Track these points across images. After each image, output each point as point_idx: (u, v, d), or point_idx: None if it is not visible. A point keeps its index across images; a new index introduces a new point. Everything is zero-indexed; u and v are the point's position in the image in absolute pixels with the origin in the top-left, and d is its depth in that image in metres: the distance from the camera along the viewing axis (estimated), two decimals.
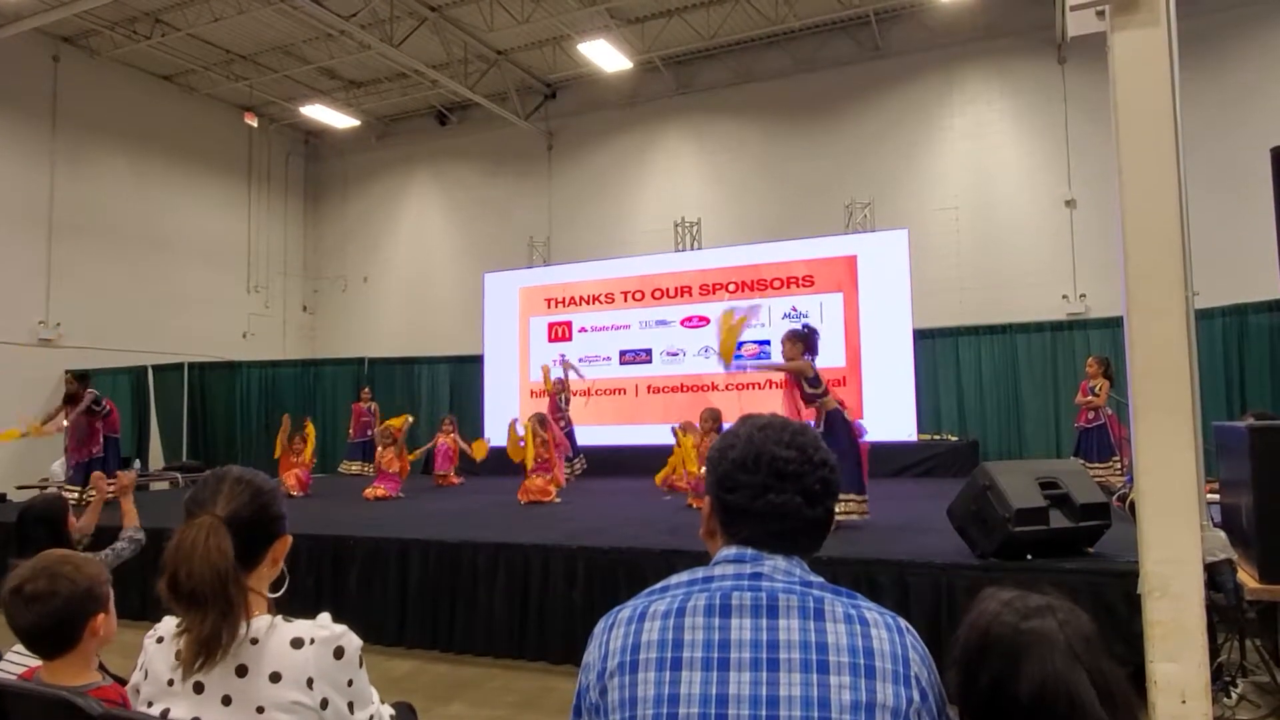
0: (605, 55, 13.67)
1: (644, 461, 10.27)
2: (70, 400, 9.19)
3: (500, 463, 10.98)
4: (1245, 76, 11.37)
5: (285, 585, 1.67)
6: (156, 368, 14.33)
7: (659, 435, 10.09)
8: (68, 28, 13.37)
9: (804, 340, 6.21)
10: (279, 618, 1.55)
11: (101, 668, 2.12)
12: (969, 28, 12.91)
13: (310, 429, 10.40)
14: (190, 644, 1.47)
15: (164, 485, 12.27)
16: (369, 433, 12.62)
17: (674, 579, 1.32)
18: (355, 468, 12.45)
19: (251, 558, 1.58)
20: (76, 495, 8.85)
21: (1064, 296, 12.25)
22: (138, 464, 12.96)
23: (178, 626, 1.52)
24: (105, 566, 2.15)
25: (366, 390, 13.15)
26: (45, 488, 10.19)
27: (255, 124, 16.70)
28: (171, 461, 14.00)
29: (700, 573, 1.30)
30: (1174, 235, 3.82)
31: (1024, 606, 1.19)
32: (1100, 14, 3.98)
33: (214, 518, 1.52)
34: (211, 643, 1.46)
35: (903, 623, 1.25)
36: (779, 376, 6.68)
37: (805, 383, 6.20)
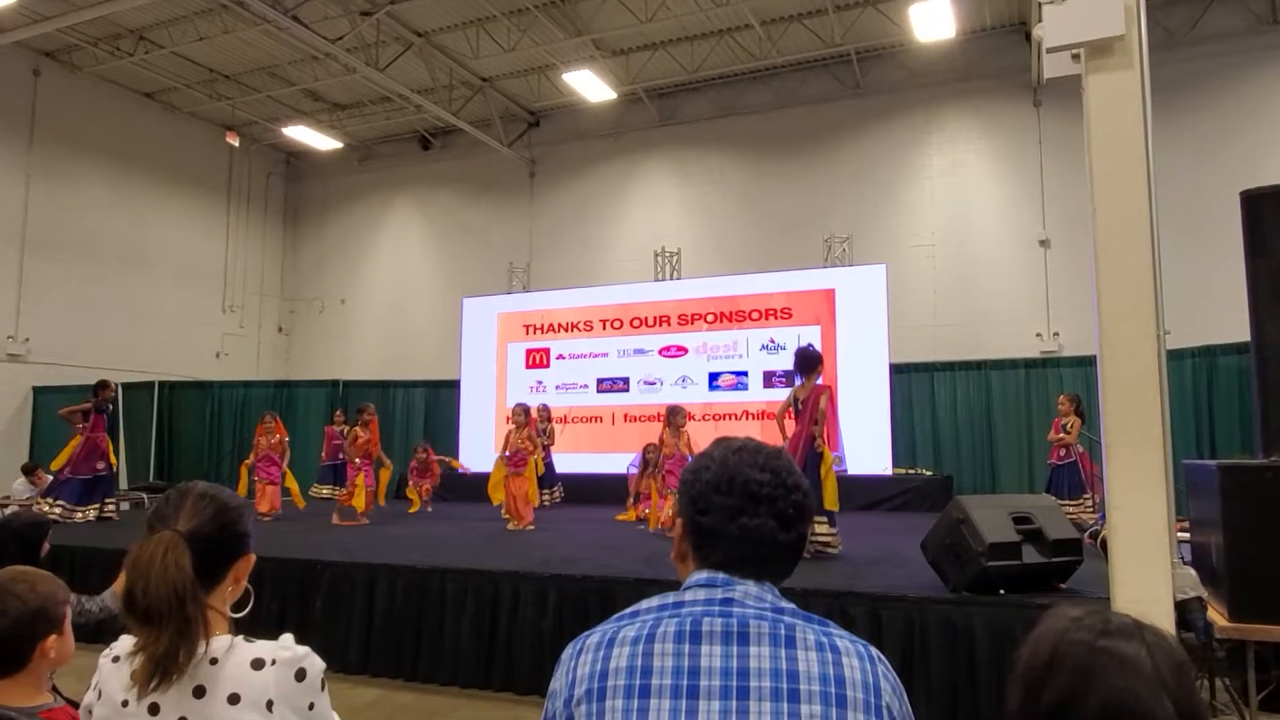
0: (590, 85, 13.78)
1: (620, 490, 10.23)
2: (99, 410, 9.28)
3: (475, 490, 10.91)
4: (1216, 121, 11.65)
5: (249, 604, 1.63)
6: (126, 386, 14.12)
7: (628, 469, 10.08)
8: (50, 42, 13.31)
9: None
10: (240, 638, 1.51)
11: (54, 690, 2.05)
12: (947, 69, 13.16)
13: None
14: (145, 663, 1.42)
15: (128, 506, 12.02)
16: (340, 456, 12.48)
17: (644, 604, 1.29)
18: (326, 491, 12.27)
19: (213, 575, 1.54)
20: (59, 512, 8.82)
21: (1038, 334, 12.40)
22: None
23: (134, 645, 1.48)
24: (64, 587, 2.09)
25: (340, 413, 12.99)
26: (6, 505, 9.99)
27: (237, 143, 16.65)
28: (137, 482, 13.75)
29: (671, 597, 1.28)
30: (1146, 276, 3.88)
31: (1102, 624, 1.08)
32: (1075, 57, 4.07)
33: (174, 533, 1.48)
34: (167, 662, 1.41)
35: (874, 651, 1.23)
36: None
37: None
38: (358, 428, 9.62)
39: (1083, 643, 1.06)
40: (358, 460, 9.36)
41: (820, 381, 6.36)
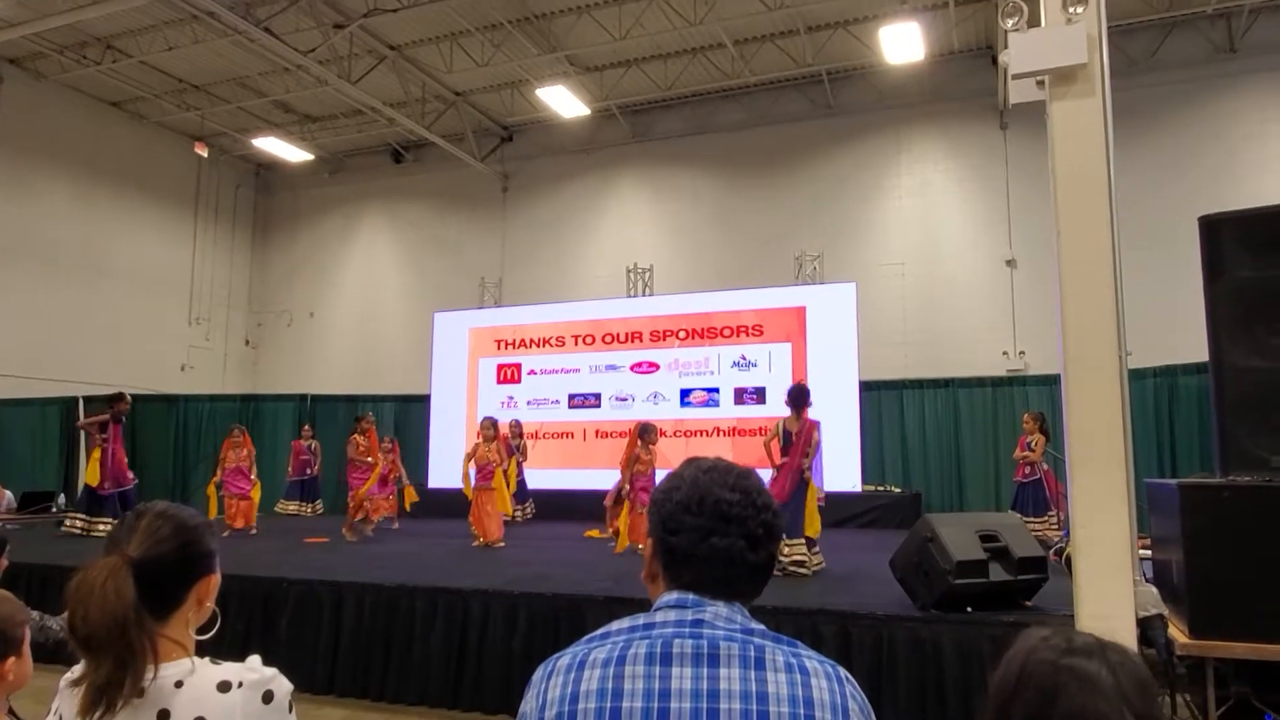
0: (563, 101, 13.83)
1: (591, 506, 10.19)
2: (116, 421, 9.38)
3: (443, 505, 10.81)
4: (1177, 146, 11.94)
5: (216, 626, 1.60)
6: (88, 399, 13.84)
7: (606, 480, 10.03)
8: (14, 49, 13.10)
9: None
10: (205, 660, 1.48)
11: (12, 712, 2.01)
12: (916, 91, 13.36)
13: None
14: (88, 691, 1.40)
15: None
16: (308, 471, 12.32)
17: (615, 625, 1.29)
18: (293, 507, 12.13)
19: (171, 598, 1.50)
20: (83, 525, 8.89)
21: (1004, 353, 12.57)
22: (61, 499, 12.46)
23: (80, 673, 1.45)
24: (22, 607, 2.04)
25: (308, 428, 12.84)
26: None
27: (205, 154, 16.47)
28: None
29: (641, 619, 1.28)
30: (1109, 296, 3.96)
31: (1065, 643, 1.11)
32: (1040, 84, 4.16)
33: (121, 558, 1.45)
34: (109, 690, 1.38)
35: (842, 672, 1.25)
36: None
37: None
38: (356, 435, 9.66)
39: (1047, 662, 1.08)
40: (366, 460, 9.40)
41: (811, 417, 6.76)
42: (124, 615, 1.39)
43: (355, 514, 9.20)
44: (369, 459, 9.68)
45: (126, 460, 9.65)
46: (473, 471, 8.80)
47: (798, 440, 6.60)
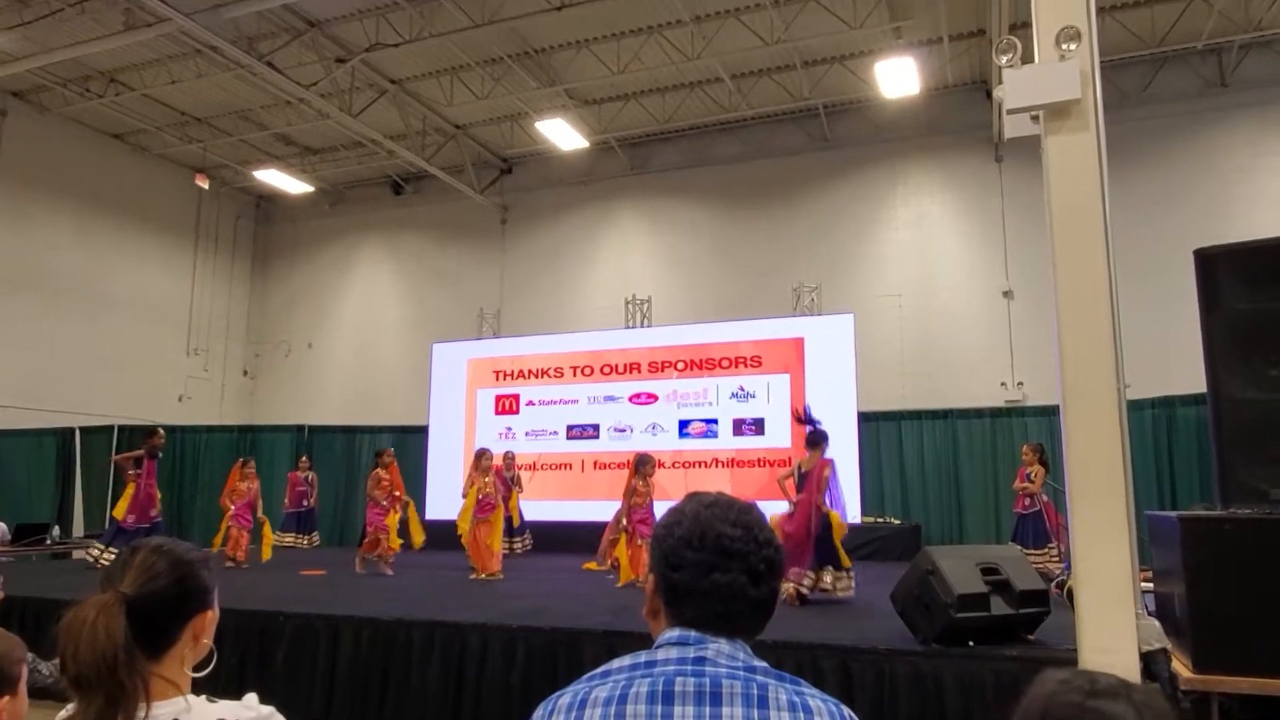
0: (562, 134, 13.95)
1: (589, 538, 10.12)
2: (151, 456, 9.51)
3: (441, 537, 10.73)
4: (1170, 179, 12.03)
5: (213, 663, 1.58)
6: (84, 430, 13.82)
7: (605, 512, 9.98)
8: (18, 82, 13.22)
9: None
10: (202, 698, 1.47)
11: None
12: (912, 124, 13.50)
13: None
14: None
15: (83, 554, 11.69)
16: (305, 503, 12.26)
17: (616, 663, 1.28)
18: (289, 539, 12.05)
19: (166, 635, 1.48)
20: (95, 556, 9.07)
21: (1002, 384, 12.57)
22: (56, 530, 12.37)
23: (71, 711, 1.43)
24: (20, 645, 2.02)
25: (305, 459, 12.80)
26: None
27: (206, 186, 16.55)
28: (93, 529, 13.37)
29: (643, 656, 1.27)
30: (1106, 327, 3.97)
31: (1089, 685, 1.09)
32: (1035, 118, 4.20)
33: (114, 595, 1.43)
34: None
35: (846, 711, 1.23)
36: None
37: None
38: (379, 469, 9.47)
39: (1072, 704, 1.07)
40: (384, 502, 9.21)
41: (826, 456, 7.18)
42: (114, 654, 1.37)
43: (373, 548, 9.05)
44: (396, 493, 9.44)
45: (158, 497, 9.71)
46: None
47: (810, 478, 7.00)
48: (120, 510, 9.44)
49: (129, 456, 9.72)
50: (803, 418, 7.43)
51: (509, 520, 10.72)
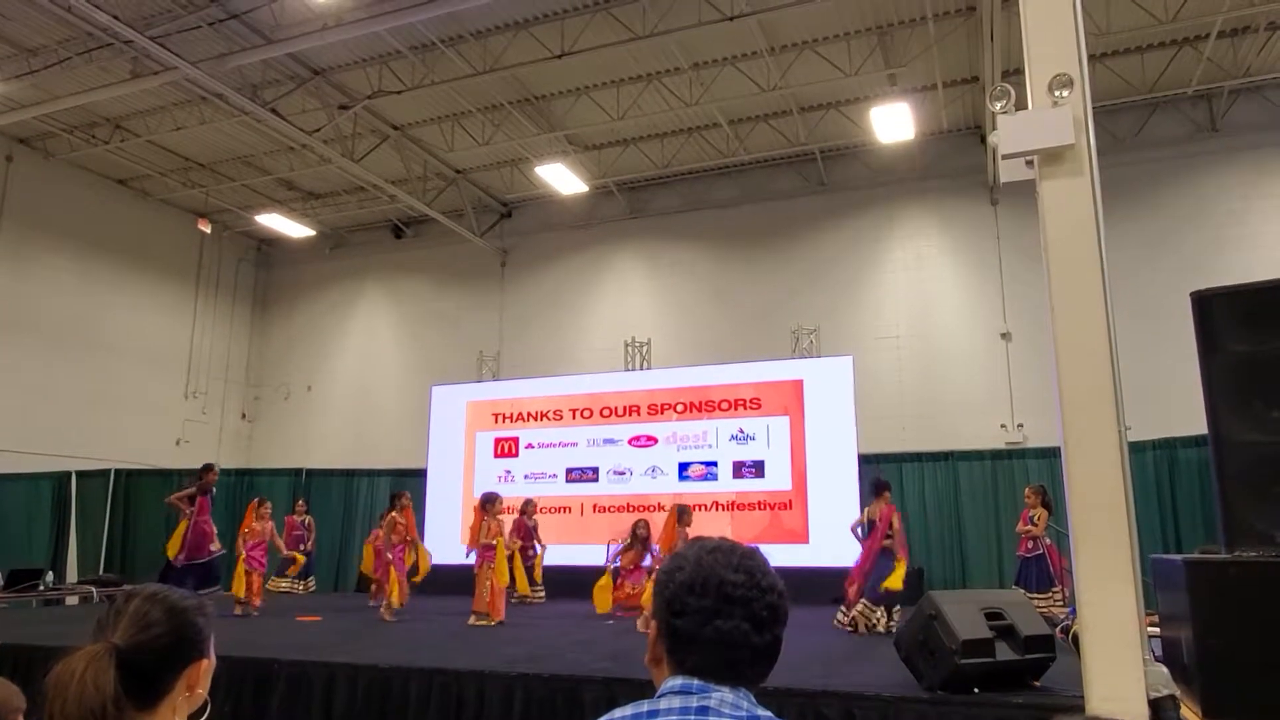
0: (562, 178, 14.10)
1: (588, 582, 10.02)
2: (204, 493, 9.31)
3: (443, 583, 10.61)
4: (1164, 221, 12.14)
5: (207, 713, 1.55)
6: (81, 474, 13.74)
7: (604, 555, 9.91)
8: (24, 129, 13.39)
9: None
10: None
11: None
12: (907, 168, 13.66)
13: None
14: None
15: (75, 600, 11.57)
16: (301, 547, 12.15)
17: (618, 713, 1.27)
18: (285, 584, 11.92)
19: (158, 685, 1.45)
20: None
21: (1002, 426, 12.55)
22: (50, 576, 12.24)
23: None
24: (18, 694, 1.98)
25: (301, 503, 12.72)
26: None
27: (208, 230, 16.67)
28: (87, 575, 13.24)
29: (645, 706, 1.25)
30: (1105, 369, 3.97)
31: None
32: (1029, 163, 4.25)
33: (104, 646, 1.40)
34: None
35: None
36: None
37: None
38: (394, 513, 9.28)
39: None
40: (394, 544, 9.06)
41: (888, 503, 7.84)
42: (102, 708, 1.34)
43: (390, 593, 8.86)
44: (409, 537, 9.27)
45: (213, 532, 9.42)
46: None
47: (880, 525, 7.68)
48: (171, 549, 9.19)
49: (182, 495, 9.45)
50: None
51: (529, 572, 10.70)
